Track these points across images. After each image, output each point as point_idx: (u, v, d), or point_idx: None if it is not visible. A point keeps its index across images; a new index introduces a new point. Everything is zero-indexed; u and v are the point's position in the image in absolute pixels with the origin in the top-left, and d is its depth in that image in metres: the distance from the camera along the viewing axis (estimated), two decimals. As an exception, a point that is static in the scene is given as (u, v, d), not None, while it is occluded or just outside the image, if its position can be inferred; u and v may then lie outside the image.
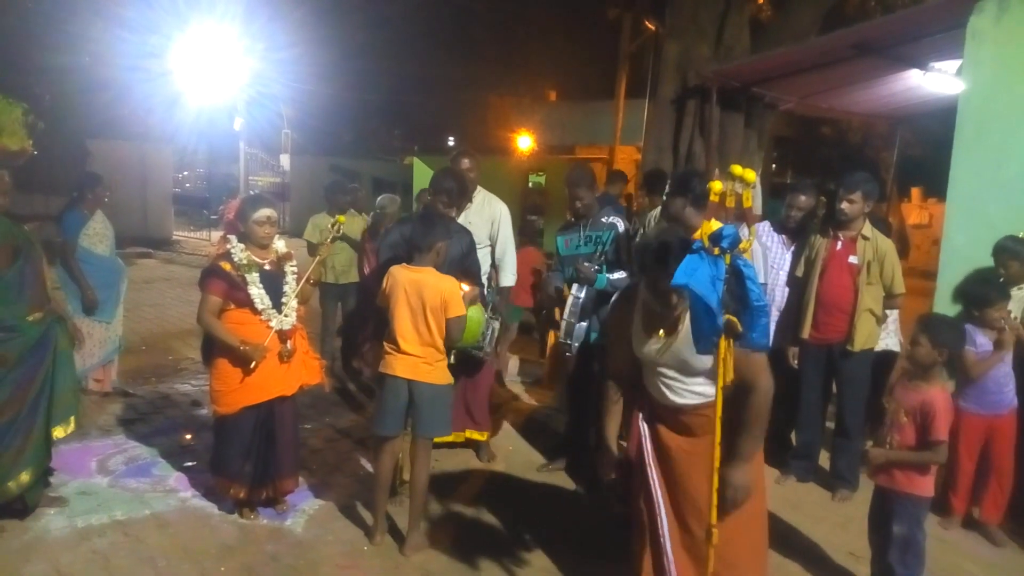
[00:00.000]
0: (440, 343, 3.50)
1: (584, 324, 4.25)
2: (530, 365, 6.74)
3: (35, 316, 3.48)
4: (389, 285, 3.51)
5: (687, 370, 2.62)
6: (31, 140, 3.49)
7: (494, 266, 4.69)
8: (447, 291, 3.47)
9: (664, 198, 3.89)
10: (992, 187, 4.38)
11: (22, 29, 11.61)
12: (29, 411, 3.47)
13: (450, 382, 3.62)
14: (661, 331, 2.52)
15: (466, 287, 3.73)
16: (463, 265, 4.01)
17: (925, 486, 3.08)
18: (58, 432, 3.62)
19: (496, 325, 4.37)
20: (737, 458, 2.61)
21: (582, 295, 4.19)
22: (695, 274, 2.13)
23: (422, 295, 3.45)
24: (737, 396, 2.60)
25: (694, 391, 2.65)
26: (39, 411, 3.52)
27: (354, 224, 6.27)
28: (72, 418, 3.68)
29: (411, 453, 3.65)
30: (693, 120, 7.46)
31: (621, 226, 4.31)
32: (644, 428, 2.82)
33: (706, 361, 2.57)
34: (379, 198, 6.50)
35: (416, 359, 3.46)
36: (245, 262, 3.57)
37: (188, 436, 4.84)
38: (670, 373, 2.66)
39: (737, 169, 2.33)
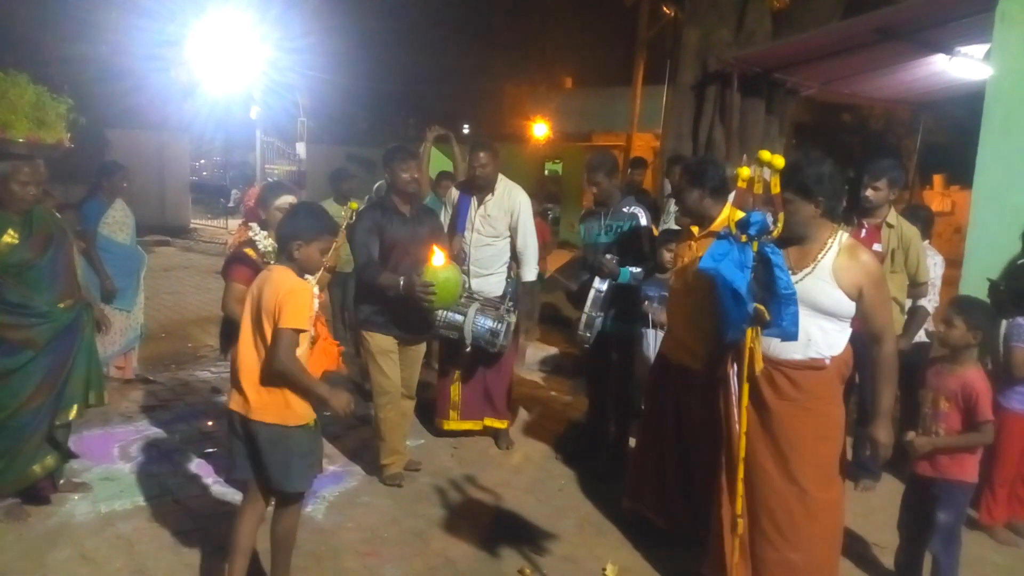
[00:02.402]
0: None
1: (601, 315, 4.22)
2: (549, 354, 6.72)
3: (66, 303, 3.50)
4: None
5: (816, 311, 2.57)
6: (68, 134, 3.50)
7: (513, 258, 4.64)
8: (285, 291, 2.58)
9: (677, 190, 3.82)
10: (1020, 174, 4.30)
11: (41, 19, 11.69)
12: (56, 396, 3.49)
13: (305, 421, 2.69)
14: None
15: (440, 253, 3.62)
16: (436, 241, 3.93)
17: (972, 471, 3.05)
18: (62, 416, 3.52)
19: (512, 319, 4.35)
20: (879, 415, 2.65)
21: (604, 288, 4.16)
22: (723, 260, 2.10)
23: (261, 299, 2.63)
24: (864, 352, 2.64)
25: (805, 340, 2.59)
26: (63, 396, 3.53)
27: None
28: (75, 406, 3.56)
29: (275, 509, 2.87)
30: (713, 106, 7.39)
31: (643, 218, 4.26)
32: (735, 384, 2.77)
33: (841, 303, 2.54)
34: (377, 184, 6.45)
35: (251, 388, 2.63)
36: (269, 249, 3.57)
37: (208, 423, 4.87)
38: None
39: (766, 155, 2.29)
